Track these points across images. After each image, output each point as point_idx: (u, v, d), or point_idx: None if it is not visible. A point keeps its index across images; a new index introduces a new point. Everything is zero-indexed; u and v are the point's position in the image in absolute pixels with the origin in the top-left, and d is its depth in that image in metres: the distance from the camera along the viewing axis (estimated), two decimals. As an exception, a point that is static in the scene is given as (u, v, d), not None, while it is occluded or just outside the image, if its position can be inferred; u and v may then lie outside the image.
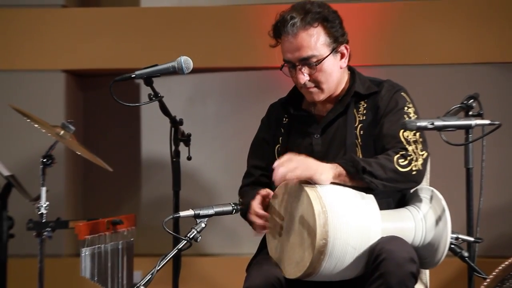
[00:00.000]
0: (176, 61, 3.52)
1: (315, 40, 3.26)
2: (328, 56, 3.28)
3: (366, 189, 3.11)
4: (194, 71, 3.61)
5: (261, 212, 3.20)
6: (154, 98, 3.54)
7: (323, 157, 3.22)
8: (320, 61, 3.27)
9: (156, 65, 3.51)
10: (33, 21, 5.32)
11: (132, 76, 3.47)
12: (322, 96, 3.33)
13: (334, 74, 3.32)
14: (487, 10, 5.11)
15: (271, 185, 3.32)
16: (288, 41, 3.28)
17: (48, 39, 5.32)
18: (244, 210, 3.30)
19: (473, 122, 3.17)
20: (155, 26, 5.32)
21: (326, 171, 3.07)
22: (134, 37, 5.31)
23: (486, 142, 3.25)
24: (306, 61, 3.27)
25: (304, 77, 3.29)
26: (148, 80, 3.51)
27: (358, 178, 3.08)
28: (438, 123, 3.10)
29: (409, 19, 5.18)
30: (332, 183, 3.09)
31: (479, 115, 3.23)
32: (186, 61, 3.52)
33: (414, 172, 3.14)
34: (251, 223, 3.31)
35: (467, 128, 3.21)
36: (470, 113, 3.26)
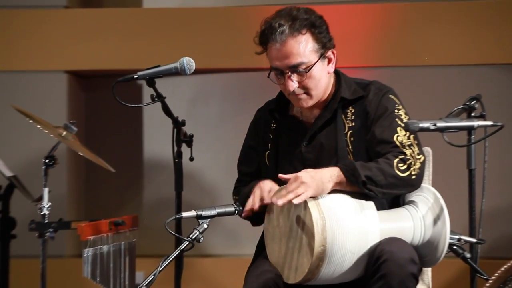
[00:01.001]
0: (178, 62, 3.52)
1: (304, 47, 3.23)
2: (317, 62, 3.26)
3: (365, 196, 3.11)
4: (197, 72, 3.61)
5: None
6: (156, 99, 3.54)
7: (314, 165, 3.19)
8: (309, 68, 3.24)
9: (159, 66, 3.51)
10: (35, 21, 5.33)
11: (135, 77, 3.47)
12: (311, 102, 3.30)
13: (323, 79, 3.29)
14: (490, 11, 5.11)
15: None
16: (276, 49, 3.24)
17: (51, 40, 5.32)
18: (243, 199, 3.29)
19: (476, 123, 3.17)
20: (157, 27, 5.32)
21: (325, 183, 3.06)
22: (136, 38, 5.31)
23: (488, 143, 3.25)
24: (295, 69, 3.24)
25: (293, 84, 3.25)
26: (151, 81, 3.51)
27: (357, 187, 3.08)
28: (441, 124, 3.10)
29: (412, 21, 5.18)
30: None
31: (482, 116, 3.24)
32: (189, 62, 3.52)
33: (413, 177, 3.14)
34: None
35: (470, 129, 3.21)
36: (473, 114, 3.26)
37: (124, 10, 5.48)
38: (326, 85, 3.32)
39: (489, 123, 3.16)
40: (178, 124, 3.72)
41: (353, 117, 3.29)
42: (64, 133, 3.85)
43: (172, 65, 3.52)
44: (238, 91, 5.35)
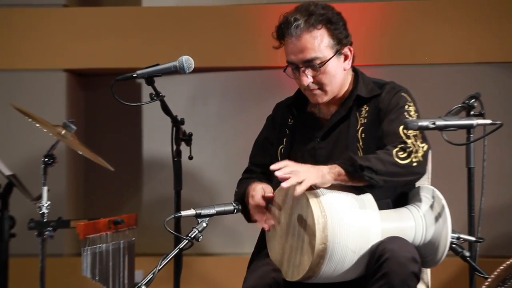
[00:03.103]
0: (177, 60, 3.52)
1: (319, 42, 3.25)
2: (332, 58, 3.26)
3: (368, 187, 3.10)
4: (196, 70, 3.61)
5: (261, 202, 3.21)
6: (155, 98, 3.54)
7: (326, 162, 3.20)
8: (323, 63, 3.25)
9: (158, 64, 3.51)
10: (34, 20, 5.33)
11: (134, 75, 3.47)
12: (325, 98, 3.32)
13: (338, 76, 3.31)
14: (489, 9, 5.12)
15: (271, 185, 3.33)
16: (292, 43, 3.26)
17: (50, 39, 5.32)
18: (237, 198, 3.33)
19: (475, 121, 3.17)
20: (156, 26, 5.32)
21: (325, 174, 3.06)
22: (135, 36, 5.31)
23: (487, 141, 3.25)
24: (309, 63, 3.25)
25: (307, 79, 3.27)
26: (150, 79, 3.51)
27: (358, 176, 3.07)
28: (440, 122, 3.10)
29: (410, 19, 5.18)
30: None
31: (481, 115, 3.23)
32: (188, 61, 3.52)
33: (414, 164, 3.12)
34: (247, 211, 3.31)
35: (469, 128, 3.21)
36: (472, 112, 3.26)
37: (123, 8, 5.48)
38: (341, 81, 3.33)
39: (488, 121, 3.17)
40: (177, 123, 3.73)
41: (366, 115, 3.30)
42: (63, 132, 3.85)
43: (171, 64, 3.52)
44: (237, 90, 5.35)
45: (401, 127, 3.18)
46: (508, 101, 5.06)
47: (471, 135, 3.23)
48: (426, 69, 5.18)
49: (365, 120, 3.30)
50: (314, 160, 3.26)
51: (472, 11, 5.13)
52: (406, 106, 3.27)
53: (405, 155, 3.12)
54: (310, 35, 3.24)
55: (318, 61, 3.25)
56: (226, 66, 5.33)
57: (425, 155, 3.17)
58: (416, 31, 5.16)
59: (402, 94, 3.31)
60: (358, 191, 3.10)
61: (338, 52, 3.28)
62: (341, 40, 3.28)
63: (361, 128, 3.29)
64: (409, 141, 3.15)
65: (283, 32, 3.28)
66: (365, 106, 3.32)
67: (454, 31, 5.13)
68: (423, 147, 3.17)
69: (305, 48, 3.24)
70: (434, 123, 3.08)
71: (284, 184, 3.02)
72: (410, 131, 3.17)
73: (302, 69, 3.27)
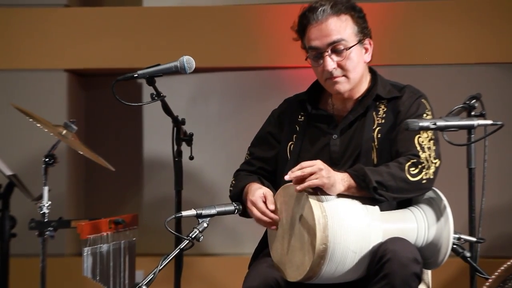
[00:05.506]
0: (178, 60, 3.52)
1: (345, 26, 3.26)
2: (356, 45, 3.27)
3: (375, 200, 3.10)
4: (197, 70, 3.61)
5: (271, 214, 3.20)
6: (156, 98, 3.54)
7: (339, 158, 3.24)
8: (348, 48, 3.25)
9: (159, 64, 3.51)
10: (35, 20, 5.33)
11: (135, 75, 3.47)
12: (347, 87, 3.29)
13: (360, 66, 3.30)
14: (490, 10, 5.11)
15: (270, 179, 3.35)
16: (317, 28, 3.26)
17: (51, 39, 5.32)
18: (234, 192, 3.33)
19: (476, 122, 3.18)
20: (157, 26, 5.32)
21: (337, 183, 3.05)
22: (136, 36, 5.31)
23: (488, 142, 3.25)
24: (335, 46, 3.25)
25: (332, 63, 3.25)
26: (151, 79, 3.51)
27: (368, 192, 3.07)
28: (441, 123, 3.10)
29: (411, 19, 5.18)
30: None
31: (482, 115, 3.24)
32: (189, 61, 3.52)
33: (424, 181, 3.13)
34: (245, 208, 3.30)
35: (470, 128, 3.21)
36: (473, 113, 3.26)
37: (124, 9, 5.48)
38: (362, 72, 3.33)
39: (489, 122, 3.17)
40: (178, 123, 3.73)
41: (384, 115, 3.30)
42: (64, 132, 3.85)
43: (172, 64, 3.52)
44: (237, 90, 5.35)
45: (417, 137, 3.18)
46: (509, 102, 5.06)
47: (472, 136, 3.23)
48: (426, 70, 5.18)
49: (383, 121, 3.29)
50: (328, 157, 3.26)
51: (472, 12, 5.12)
52: (425, 115, 3.27)
53: (416, 171, 3.12)
54: (337, 18, 3.26)
55: (342, 46, 3.25)
56: (227, 66, 5.33)
57: (435, 172, 3.17)
58: (416, 31, 5.16)
59: (422, 100, 3.32)
60: (364, 202, 3.10)
61: (360, 42, 3.30)
62: (363, 29, 3.32)
63: (378, 128, 3.28)
64: (423, 155, 3.15)
65: (307, 18, 3.27)
66: (382, 107, 3.32)
67: (454, 31, 5.13)
68: (435, 163, 3.17)
69: (331, 30, 3.25)
70: (435, 124, 3.09)
71: (298, 188, 3.02)
72: (425, 142, 3.17)
73: (327, 53, 3.26)
